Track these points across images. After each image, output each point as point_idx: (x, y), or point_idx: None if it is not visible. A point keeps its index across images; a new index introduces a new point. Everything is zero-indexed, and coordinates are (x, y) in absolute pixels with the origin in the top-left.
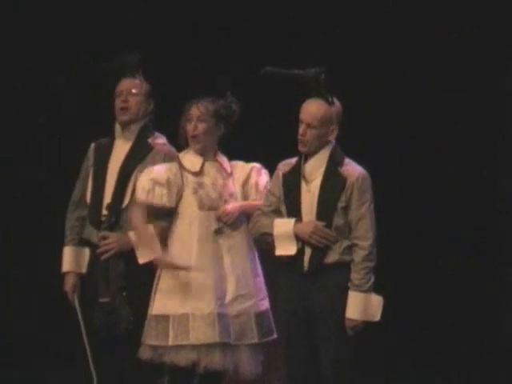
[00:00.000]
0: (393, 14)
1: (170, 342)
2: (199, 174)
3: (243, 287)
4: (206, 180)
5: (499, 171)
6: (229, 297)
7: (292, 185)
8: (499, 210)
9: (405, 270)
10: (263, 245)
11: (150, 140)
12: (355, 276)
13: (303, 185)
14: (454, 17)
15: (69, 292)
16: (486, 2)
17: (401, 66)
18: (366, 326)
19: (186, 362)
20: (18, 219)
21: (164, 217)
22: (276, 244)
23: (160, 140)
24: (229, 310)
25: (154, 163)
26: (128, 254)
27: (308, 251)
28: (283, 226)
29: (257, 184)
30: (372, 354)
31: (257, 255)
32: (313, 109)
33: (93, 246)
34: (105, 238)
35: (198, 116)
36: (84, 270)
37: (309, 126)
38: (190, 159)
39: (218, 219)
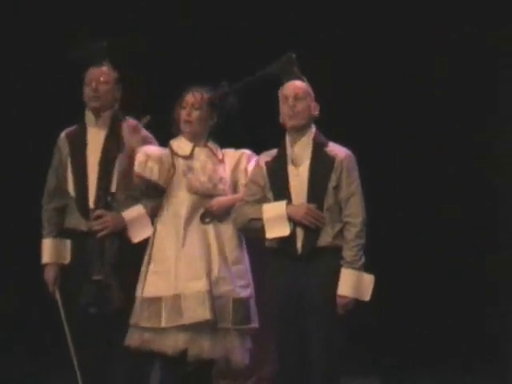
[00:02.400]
0: (393, 14)
1: (163, 324)
2: (189, 157)
3: (224, 270)
4: (196, 164)
5: (499, 171)
6: (213, 278)
7: (278, 171)
8: (499, 209)
9: (405, 270)
10: (251, 232)
11: (124, 125)
12: (348, 253)
13: (291, 169)
14: (453, 17)
15: (50, 283)
16: (485, 2)
17: (401, 66)
18: (366, 327)
19: (174, 351)
20: (17, 219)
21: (155, 196)
22: (267, 228)
23: (133, 124)
24: (213, 290)
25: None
26: (122, 233)
27: (300, 234)
28: (274, 209)
29: (246, 170)
30: (371, 355)
31: (244, 244)
32: (296, 83)
33: (79, 235)
34: (100, 216)
35: (192, 103)
36: (66, 260)
37: (296, 97)
38: (180, 145)
39: (206, 212)
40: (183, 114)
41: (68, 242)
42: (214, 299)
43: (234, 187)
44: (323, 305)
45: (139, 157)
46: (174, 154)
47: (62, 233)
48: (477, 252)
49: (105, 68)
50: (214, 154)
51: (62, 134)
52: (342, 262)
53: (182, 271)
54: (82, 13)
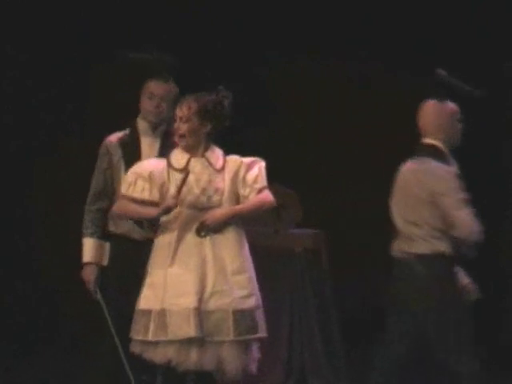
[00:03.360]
0: (392, 14)
1: (150, 337)
2: (184, 170)
3: (221, 283)
4: (190, 176)
5: (499, 171)
6: (206, 293)
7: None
8: (499, 210)
9: None
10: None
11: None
12: None
13: None
14: (453, 17)
15: (91, 283)
16: (485, 3)
17: (400, 65)
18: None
19: (161, 359)
20: (17, 218)
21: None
22: None
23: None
24: (205, 305)
25: None
26: None
27: None
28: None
29: (244, 179)
30: (372, 355)
31: (248, 253)
32: None
33: (128, 241)
34: None
35: (180, 117)
36: (104, 262)
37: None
38: (177, 157)
39: (200, 225)
40: (175, 127)
41: (107, 245)
42: (203, 315)
43: (236, 197)
44: None
45: (127, 178)
46: (170, 166)
47: (103, 235)
48: (477, 252)
49: (168, 85)
50: (211, 164)
51: (114, 139)
52: None
53: (171, 286)
54: (88, 12)
